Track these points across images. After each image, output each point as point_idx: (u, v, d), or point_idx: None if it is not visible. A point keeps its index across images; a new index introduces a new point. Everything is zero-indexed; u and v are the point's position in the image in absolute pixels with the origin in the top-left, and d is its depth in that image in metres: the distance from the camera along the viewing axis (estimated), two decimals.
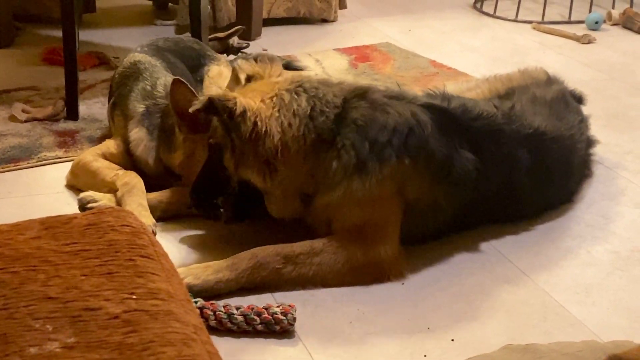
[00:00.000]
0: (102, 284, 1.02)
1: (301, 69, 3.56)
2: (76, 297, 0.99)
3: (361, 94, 2.24)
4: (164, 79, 2.62)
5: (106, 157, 2.58)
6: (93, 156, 2.57)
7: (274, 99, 2.15)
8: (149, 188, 2.45)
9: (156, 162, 2.52)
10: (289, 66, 3.48)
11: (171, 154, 2.47)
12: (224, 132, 2.15)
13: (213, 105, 2.10)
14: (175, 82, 2.32)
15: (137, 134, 2.54)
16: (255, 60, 2.36)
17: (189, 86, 2.33)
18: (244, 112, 2.10)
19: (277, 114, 2.12)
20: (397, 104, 2.23)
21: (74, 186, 2.58)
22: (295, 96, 2.16)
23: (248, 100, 2.13)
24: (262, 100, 2.14)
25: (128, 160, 2.57)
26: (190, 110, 2.13)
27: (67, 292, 1.00)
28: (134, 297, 0.99)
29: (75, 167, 2.59)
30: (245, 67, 2.34)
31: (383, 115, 2.18)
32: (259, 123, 2.11)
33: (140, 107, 2.57)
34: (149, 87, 2.60)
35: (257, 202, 2.24)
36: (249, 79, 2.30)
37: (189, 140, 2.40)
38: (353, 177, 2.12)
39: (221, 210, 2.26)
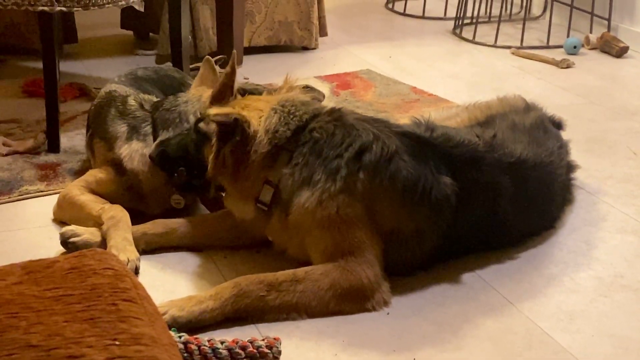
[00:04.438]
0: (85, 330, 1.01)
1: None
2: (59, 344, 0.97)
3: (331, 112, 2.32)
4: (133, 95, 2.68)
5: (92, 187, 2.58)
6: (79, 189, 2.56)
7: (262, 117, 2.27)
8: (141, 217, 2.47)
9: (156, 172, 2.53)
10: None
11: None
12: (216, 136, 2.27)
13: (236, 126, 2.23)
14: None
15: (129, 148, 2.57)
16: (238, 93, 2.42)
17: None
18: (253, 135, 2.25)
19: (260, 133, 2.25)
20: (365, 126, 2.27)
21: (60, 220, 2.57)
22: (272, 113, 2.28)
23: (254, 123, 2.26)
24: (259, 119, 2.28)
25: (119, 183, 2.57)
26: (213, 118, 2.27)
27: (50, 339, 0.99)
28: (117, 343, 0.98)
29: (62, 201, 2.58)
30: (286, 82, 2.47)
31: (341, 133, 2.24)
32: (253, 142, 2.25)
33: (121, 127, 2.61)
34: (121, 107, 2.65)
35: (205, 188, 2.45)
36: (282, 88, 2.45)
37: None
38: (300, 192, 2.19)
39: (175, 175, 2.45)
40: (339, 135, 2.23)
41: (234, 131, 2.23)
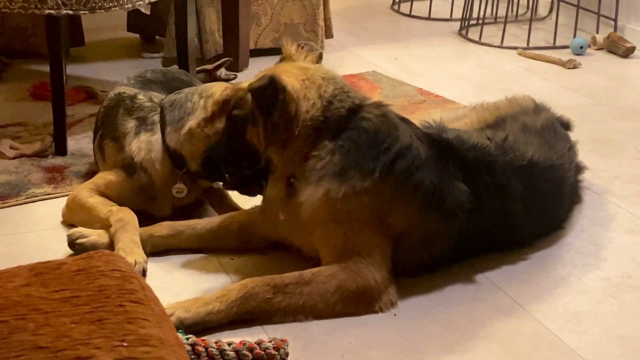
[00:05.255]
0: (93, 331, 1.01)
1: None
2: (66, 346, 0.98)
3: (379, 104, 2.30)
4: (142, 93, 2.69)
5: (102, 189, 2.58)
6: (88, 192, 2.57)
7: (306, 81, 2.22)
8: (149, 220, 2.47)
9: (163, 159, 2.53)
10: None
11: (181, 133, 2.49)
12: (256, 108, 2.20)
13: (274, 85, 2.15)
14: None
15: (138, 141, 2.57)
16: (300, 46, 2.41)
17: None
18: (290, 92, 2.18)
19: (308, 95, 2.20)
20: (404, 127, 2.27)
21: (69, 222, 2.58)
22: (327, 83, 2.24)
23: (292, 80, 2.21)
24: (300, 81, 2.22)
25: (129, 185, 2.57)
26: (250, 87, 2.20)
27: (57, 340, 0.99)
28: (125, 344, 0.99)
29: (71, 203, 2.59)
30: (287, 49, 2.41)
31: (385, 132, 2.22)
32: (297, 103, 2.18)
33: (130, 122, 2.61)
34: (129, 104, 2.65)
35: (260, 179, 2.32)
36: (282, 59, 2.39)
37: None
38: (332, 180, 2.16)
39: (226, 175, 2.37)
40: (383, 132, 2.21)
41: (274, 96, 2.16)
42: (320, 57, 2.43)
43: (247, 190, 2.41)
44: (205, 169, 2.46)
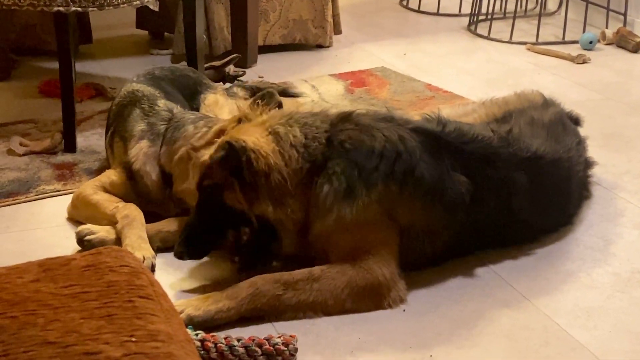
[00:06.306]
0: (102, 326, 1.01)
1: (297, 96, 3.61)
2: (76, 341, 0.98)
3: (346, 116, 2.29)
4: (164, 100, 2.68)
5: (106, 187, 2.59)
6: (93, 189, 2.58)
7: (269, 135, 2.19)
8: (151, 216, 2.46)
9: (157, 172, 2.53)
10: (285, 93, 3.52)
11: (172, 159, 2.49)
12: (226, 171, 2.16)
13: (234, 150, 2.13)
14: None
15: (137, 147, 2.57)
16: (253, 92, 2.38)
17: None
18: (253, 150, 2.14)
19: (277, 148, 2.17)
20: (384, 127, 2.26)
21: (74, 219, 2.58)
22: (289, 128, 2.21)
23: (253, 138, 2.17)
24: (264, 137, 2.19)
25: (130, 187, 2.57)
26: (211, 161, 2.18)
27: (67, 336, 1.00)
28: (134, 339, 0.99)
29: (76, 200, 2.59)
30: (241, 109, 2.39)
31: (370, 139, 2.21)
32: (265, 157, 2.14)
33: (139, 126, 2.61)
34: (147, 108, 2.65)
35: (270, 242, 2.24)
36: (239, 120, 2.34)
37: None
38: (343, 203, 2.15)
39: (236, 258, 2.28)
40: (367, 141, 2.20)
41: (237, 159, 2.14)
42: (280, 106, 2.38)
43: (258, 259, 2.28)
44: (187, 248, 2.24)
